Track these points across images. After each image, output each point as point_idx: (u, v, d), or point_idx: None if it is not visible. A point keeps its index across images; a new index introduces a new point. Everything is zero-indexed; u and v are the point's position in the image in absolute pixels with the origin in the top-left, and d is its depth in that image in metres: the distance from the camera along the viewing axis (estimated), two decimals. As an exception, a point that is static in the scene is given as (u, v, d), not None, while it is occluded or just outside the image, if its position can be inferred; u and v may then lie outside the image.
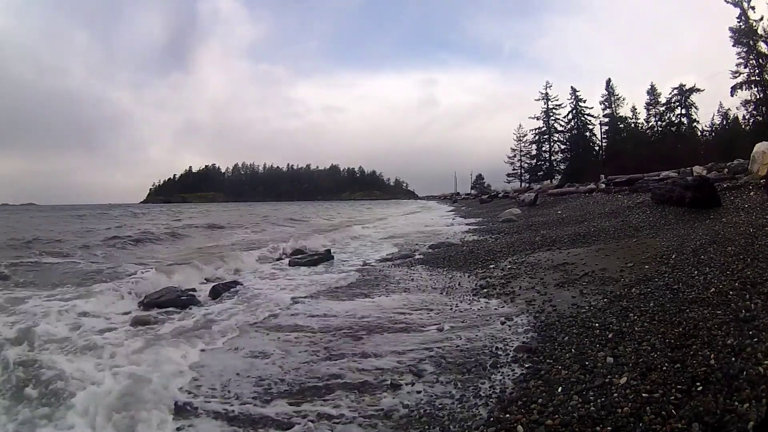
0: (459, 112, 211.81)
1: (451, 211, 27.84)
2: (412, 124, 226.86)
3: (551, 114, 55.95)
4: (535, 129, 57.30)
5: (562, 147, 56.23)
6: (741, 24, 32.64)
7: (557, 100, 55.45)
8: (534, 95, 55.90)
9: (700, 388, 2.03)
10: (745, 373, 2.07)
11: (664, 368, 2.26)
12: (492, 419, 2.04)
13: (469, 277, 5.32)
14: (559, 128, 56.06)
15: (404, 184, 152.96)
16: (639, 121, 47.89)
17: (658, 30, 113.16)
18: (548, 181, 46.95)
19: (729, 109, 38.64)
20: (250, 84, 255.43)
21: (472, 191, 67.53)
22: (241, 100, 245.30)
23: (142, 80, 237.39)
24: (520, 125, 59.20)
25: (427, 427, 2.08)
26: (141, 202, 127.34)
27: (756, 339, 2.36)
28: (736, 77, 33.80)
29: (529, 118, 57.03)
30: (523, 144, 58.70)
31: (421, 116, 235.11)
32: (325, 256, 7.53)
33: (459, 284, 4.96)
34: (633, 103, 47.74)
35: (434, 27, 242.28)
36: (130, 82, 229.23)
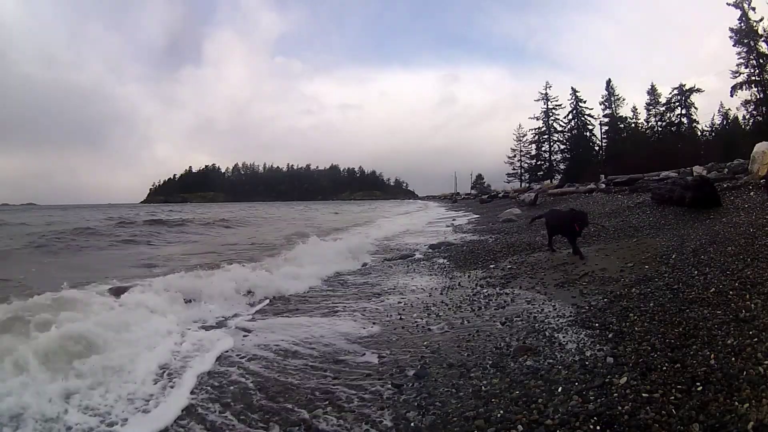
0: (477, 111, 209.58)
1: (451, 210, 27.84)
2: (428, 122, 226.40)
3: (551, 114, 56.02)
4: (535, 129, 57.38)
5: (562, 147, 56.30)
6: (741, 24, 32.69)
7: (557, 100, 55.54)
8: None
9: (700, 388, 2.03)
10: (745, 373, 2.07)
11: (664, 368, 2.26)
12: (492, 419, 2.04)
13: (469, 277, 5.32)
14: (559, 128, 56.14)
15: (404, 184, 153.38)
16: (639, 121, 47.92)
17: (679, 31, 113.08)
18: (548, 181, 46.95)
19: (729, 109, 38.70)
20: (264, 80, 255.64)
21: (472, 191, 67.58)
22: (254, 97, 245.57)
23: (148, 75, 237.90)
24: (519, 125, 59.29)
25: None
26: (141, 202, 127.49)
27: (756, 339, 2.36)
28: (736, 77, 33.87)
29: (529, 118, 57.13)
30: (523, 144, 58.80)
31: (439, 115, 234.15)
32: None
33: (459, 284, 4.96)
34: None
35: (460, 23, 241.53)
36: (137, 76, 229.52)
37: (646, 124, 46.91)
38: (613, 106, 49.70)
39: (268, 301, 4.78)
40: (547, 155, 56.93)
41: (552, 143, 56.79)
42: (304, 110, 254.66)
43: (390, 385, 2.49)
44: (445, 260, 6.71)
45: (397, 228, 14.78)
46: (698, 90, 42.77)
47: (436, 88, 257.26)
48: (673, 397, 2.00)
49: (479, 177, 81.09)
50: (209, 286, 4.75)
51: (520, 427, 1.96)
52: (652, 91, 46.05)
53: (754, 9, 31.70)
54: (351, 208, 44.97)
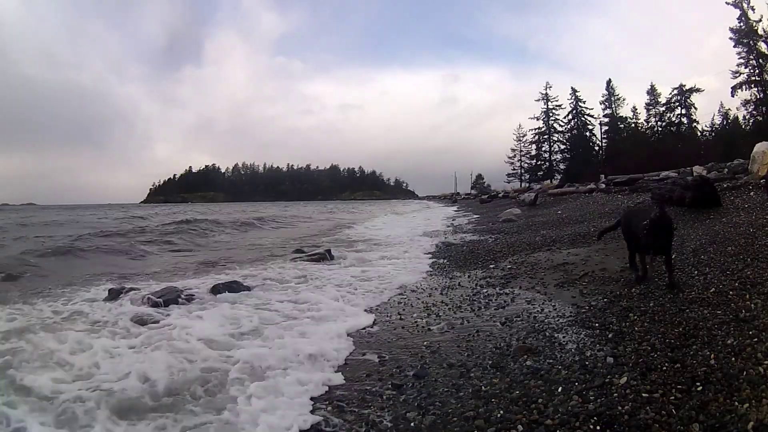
0: (477, 111, 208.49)
1: (451, 210, 27.83)
2: (428, 122, 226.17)
3: (551, 114, 56.13)
4: (535, 129, 57.47)
5: (562, 147, 56.40)
6: (741, 24, 32.72)
7: (557, 100, 55.65)
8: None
9: (700, 388, 2.03)
10: (745, 373, 2.07)
11: (664, 368, 2.26)
12: (492, 419, 2.04)
13: (469, 277, 5.32)
14: (559, 128, 56.25)
15: (404, 184, 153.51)
16: (639, 121, 48.00)
17: (679, 31, 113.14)
18: (548, 181, 47.02)
19: (729, 109, 38.75)
20: (265, 80, 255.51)
21: (472, 191, 67.62)
22: (255, 97, 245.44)
23: (149, 74, 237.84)
24: (519, 125, 59.42)
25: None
26: (141, 203, 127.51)
27: (756, 339, 2.37)
28: (736, 77, 33.90)
29: (529, 118, 57.26)
30: (523, 144, 58.95)
31: (439, 114, 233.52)
32: (325, 256, 7.52)
33: (459, 284, 4.96)
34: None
35: (460, 23, 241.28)
36: (137, 76, 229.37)
37: (646, 124, 47.06)
38: (613, 106, 49.83)
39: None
40: (547, 155, 57.10)
41: (552, 143, 56.97)
42: (305, 110, 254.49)
43: (390, 385, 2.49)
44: (445, 260, 6.70)
45: (396, 226, 14.79)
46: (698, 90, 42.91)
47: (437, 88, 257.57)
48: (673, 397, 2.00)
49: (479, 177, 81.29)
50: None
51: (520, 427, 1.96)
52: (652, 91, 46.17)
53: (753, 9, 31.77)
54: (358, 207, 47.01)
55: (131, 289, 5.00)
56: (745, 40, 32.80)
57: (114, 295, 4.80)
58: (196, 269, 7.00)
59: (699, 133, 42.39)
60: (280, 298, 4.52)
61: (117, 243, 10.41)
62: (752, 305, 2.83)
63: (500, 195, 36.24)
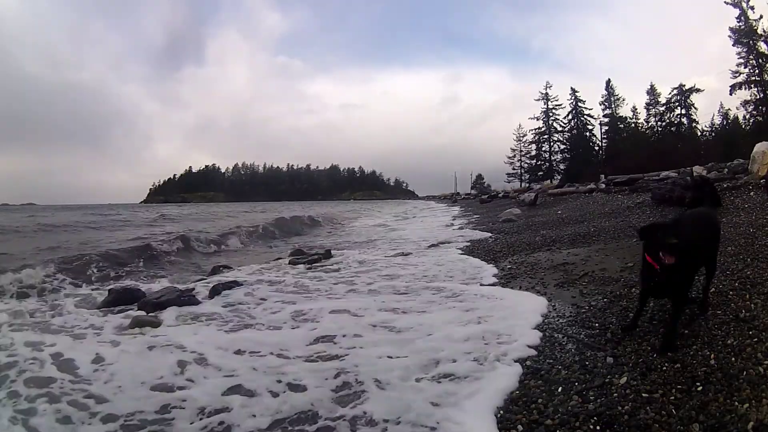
0: (478, 111, 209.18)
1: (451, 210, 27.83)
2: (429, 122, 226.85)
3: (551, 114, 56.15)
4: (535, 129, 57.48)
5: (562, 147, 56.41)
6: (740, 24, 32.72)
7: (557, 100, 55.67)
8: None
9: (700, 388, 2.03)
10: (745, 373, 2.07)
11: (664, 368, 2.26)
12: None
13: (469, 277, 5.31)
14: (559, 128, 56.27)
15: (404, 184, 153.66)
16: (639, 121, 48.00)
17: (679, 31, 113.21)
18: (548, 181, 47.02)
19: (729, 109, 38.74)
20: (266, 79, 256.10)
21: (472, 191, 67.61)
22: (256, 97, 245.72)
23: (150, 74, 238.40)
24: (519, 125, 59.44)
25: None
26: (141, 203, 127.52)
27: (756, 339, 2.37)
28: (736, 77, 33.88)
29: (529, 118, 57.29)
30: (523, 144, 58.96)
31: (440, 114, 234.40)
32: (325, 255, 7.53)
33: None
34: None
35: (462, 23, 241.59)
36: (138, 76, 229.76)
37: (645, 124, 47.04)
38: (612, 106, 49.86)
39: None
40: (547, 155, 57.12)
41: (552, 143, 56.99)
42: (305, 110, 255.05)
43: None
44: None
45: (397, 227, 14.80)
46: (698, 90, 42.91)
47: (438, 88, 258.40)
48: (673, 397, 2.01)
49: (479, 177, 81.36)
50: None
51: (520, 427, 1.96)
52: (652, 91, 46.18)
53: (752, 8, 31.76)
54: (364, 206, 48.39)
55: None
56: (745, 40, 32.78)
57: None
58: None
59: (699, 133, 42.40)
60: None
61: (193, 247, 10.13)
62: (752, 305, 2.83)
63: (500, 195, 36.20)
